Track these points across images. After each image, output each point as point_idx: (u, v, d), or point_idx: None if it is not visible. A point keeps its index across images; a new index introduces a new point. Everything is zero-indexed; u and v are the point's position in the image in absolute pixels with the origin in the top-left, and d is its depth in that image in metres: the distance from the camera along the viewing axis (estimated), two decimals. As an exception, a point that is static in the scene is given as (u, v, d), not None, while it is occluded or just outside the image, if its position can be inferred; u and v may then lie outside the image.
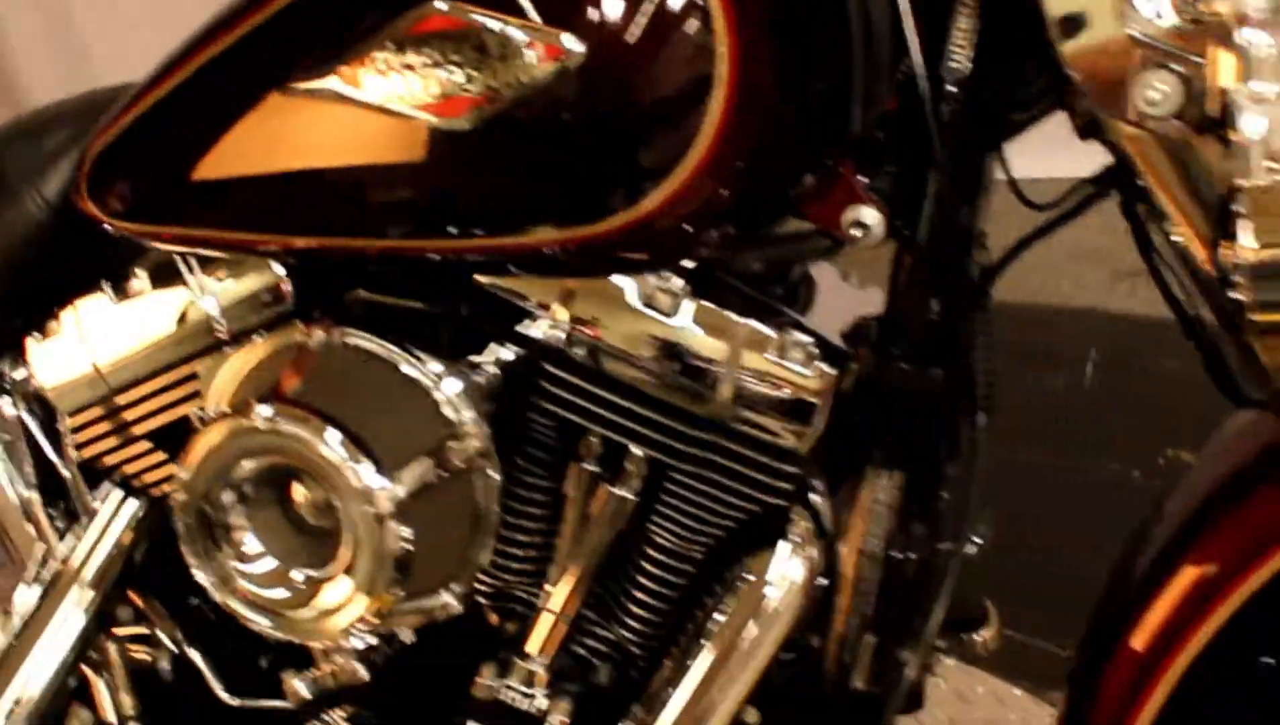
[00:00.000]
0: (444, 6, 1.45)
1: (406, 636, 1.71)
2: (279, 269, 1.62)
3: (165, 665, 1.81)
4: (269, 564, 1.54)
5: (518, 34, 1.43)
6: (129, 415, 1.70)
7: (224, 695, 1.78)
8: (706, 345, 1.55)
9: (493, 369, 1.57)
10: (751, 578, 1.60)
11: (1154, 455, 2.79)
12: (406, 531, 1.48)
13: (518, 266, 1.54)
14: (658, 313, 1.54)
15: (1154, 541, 1.62)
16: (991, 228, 1.61)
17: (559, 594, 1.64)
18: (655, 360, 1.55)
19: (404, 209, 1.53)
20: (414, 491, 1.49)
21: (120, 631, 1.81)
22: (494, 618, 1.71)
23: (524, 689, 1.66)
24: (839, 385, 1.55)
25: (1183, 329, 1.54)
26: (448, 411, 1.53)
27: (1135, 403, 2.99)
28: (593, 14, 1.43)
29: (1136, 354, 3.06)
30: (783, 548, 1.60)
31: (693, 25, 1.42)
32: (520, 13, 1.44)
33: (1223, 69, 1.30)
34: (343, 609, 1.52)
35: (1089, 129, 1.47)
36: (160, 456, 1.71)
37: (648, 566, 1.63)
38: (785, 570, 1.59)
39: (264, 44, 1.54)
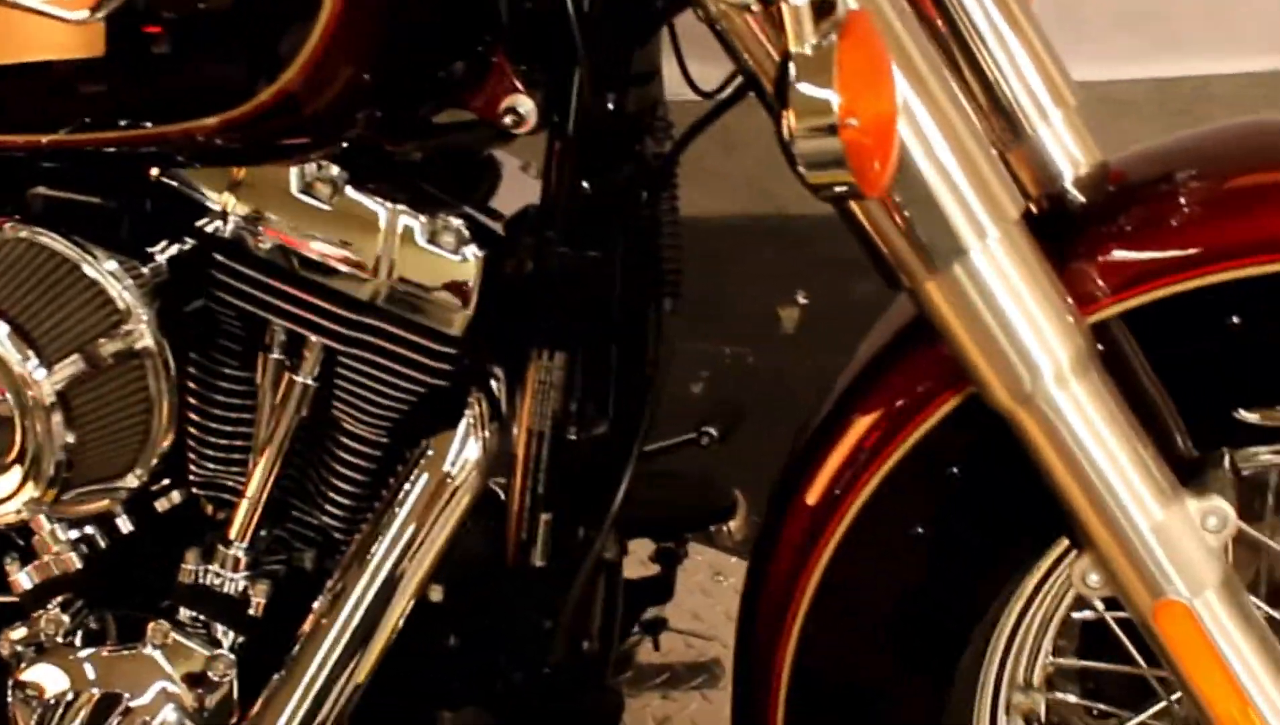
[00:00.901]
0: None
1: (125, 526, 1.77)
2: None
3: None
4: None
5: None
6: None
7: None
8: (362, 231, 1.60)
9: (163, 262, 1.62)
10: (432, 456, 1.66)
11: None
12: (70, 419, 1.55)
13: (184, 156, 1.60)
14: (317, 200, 1.60)
15: (826, 405, 1.67)
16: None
17: (255, 481, 1.70)
18: (314, 248, 1.61)
19: (64, 103, 1.59)
20: (76, 381, 1.55)
21: None
22: (208, 507, 1.76)
23: (225, 573, 1.72)
24: (495, 267, 1.60)
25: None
26: (117, 304, 1.59)
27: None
28: None
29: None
30: (461, 428, 1.65)
31: None
32: None
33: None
34: (14, 496, 1.58)
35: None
36: None
37: (335, 450, 1.70)
38: (463, 451, 1.65)
39: None
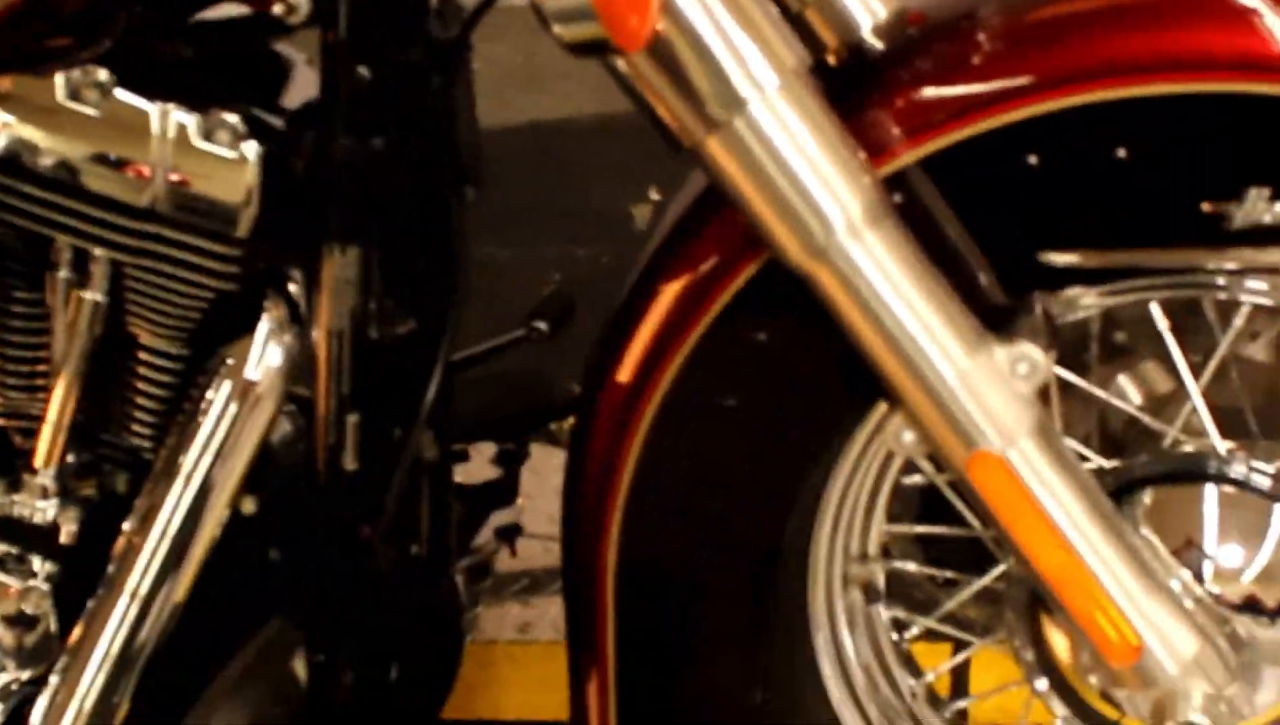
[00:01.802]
0: None
1: None
2: None
3: None
4: None
5: None
6: None
7: None
8: (134, 135, 1.54)
9: None
10: (231, 364, 1.60)
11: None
12: None
13: None
14: (85, 106, 1.54)
15: (630, 281, 1.63)
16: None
17: (55, 404, 1.65)
18: (87, 156, 1.55)
19: None
20: None
21: None
22: (16, 437, 1.71)
23: (33, 502, 1.66)
24: (280, 163, 1.55)
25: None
26: None
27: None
28: None
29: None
30: (259, 334, 1.60)
31: None
32: None
33: None
34: None
35: None
36: None
37: (134, 367, 1.64)
38: (263, 356, 1.60)
39: None
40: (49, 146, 1.55)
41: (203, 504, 1.63)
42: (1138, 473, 1.58)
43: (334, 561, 1.66)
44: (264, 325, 1.61)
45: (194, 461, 1.62)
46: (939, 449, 1.48)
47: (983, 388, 1.45)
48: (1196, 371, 1.57)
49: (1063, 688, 1.66)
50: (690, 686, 1.71)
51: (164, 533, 1.63)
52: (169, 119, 1.54)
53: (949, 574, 1.73)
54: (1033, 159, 1.49)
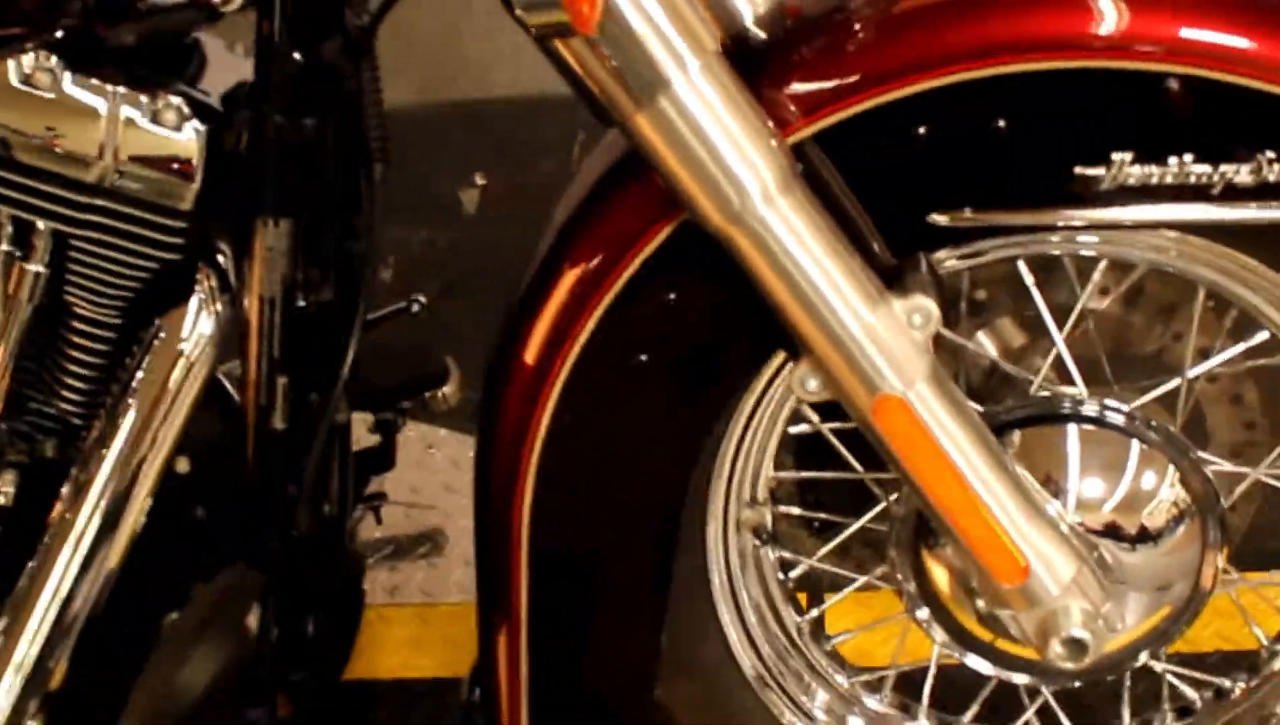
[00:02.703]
0: None
1: None
2: None
3: None
4: None
5: None
6: None
7: None
8: (86, 117, 1.64)
9: None
10: (165, 335, 1.70)
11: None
12: None
13: None
14: (39, 90, 1.63)
15: (535, 262, 1.75)
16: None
17: (-12, 373, 1.73)
18: (41, 137, 1.64)
19: None
20: None
21: None
22: None
23: (-33, 469, 1.74)
24: (215, 141, 1.65)
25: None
26: None
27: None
28: None
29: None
30: (192, 304, 1.70)
31: None
32: None
33: None
34: None
35: None
36: None
37: (69, 336, 1.72)
38: (196, 325, 1.70)
39: None
40: (3, 127, 1.64)
41: (138, 471, 1.72)
42: (1010, 416, 1.74)
43: (263, 519, 1.76)
44: (197, 295, 1.70)
45: (130, 432, 1.71)
46: (843, 394, 1.63)
47: (884, 337, 1.61)
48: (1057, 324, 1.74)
49: (942, 615, 1.81)
50: (599, 635, 1.83)
51: (99, 499, 1.73)
52: (118, 102, 1.63)
53: (830, 517, 1.87)
54: (919, 131, 1.63)
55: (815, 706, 1.93)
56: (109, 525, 1.74)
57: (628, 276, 1.68)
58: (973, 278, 1.82)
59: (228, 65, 1.75)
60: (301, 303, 1.72)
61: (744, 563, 1.88)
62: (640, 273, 1.68)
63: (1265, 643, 1.94)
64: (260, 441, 1.75)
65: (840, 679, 1.94)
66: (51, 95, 1.63)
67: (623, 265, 1.68)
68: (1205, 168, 1.60)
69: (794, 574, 1.91)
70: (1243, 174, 1.59)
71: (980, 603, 1.75)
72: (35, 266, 1.69)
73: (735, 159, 1.55)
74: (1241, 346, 1.76)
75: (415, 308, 2.02)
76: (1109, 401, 1.76)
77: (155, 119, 1.64)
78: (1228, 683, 1.93)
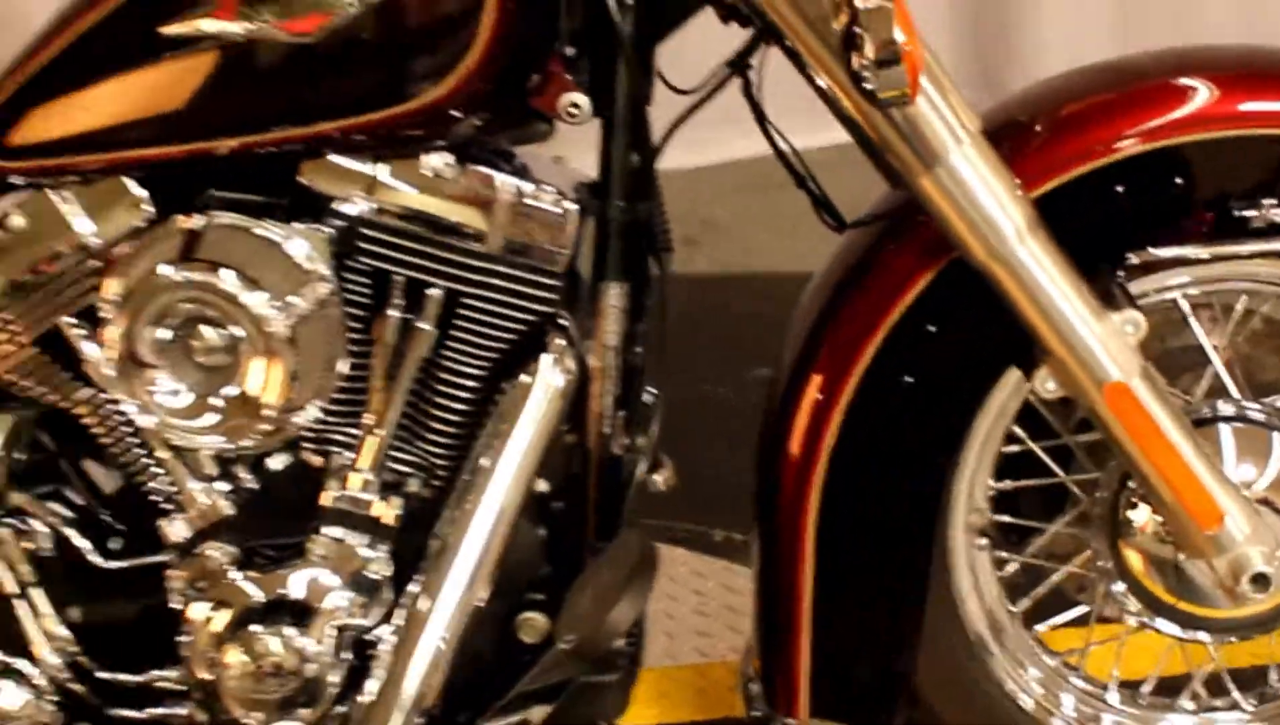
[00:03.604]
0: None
1: (250, 483, 2.22)
2: (137, 188, 2.13)
3: (48, 545, 2.27)
4: (188, 398, 2.06)
5: None
6: (14, 329, 2.18)
7: (101, 562, 2.26)
8: (482, 197, 2.12)
9: (330, 232, 2.11)
10: (527, 383, 2.17)
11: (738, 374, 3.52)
12: (293, 349, 2.02)
13: (333, 149, 2.09)
14: (444, 177, 2.11)
15: (785, 367, 2.27)
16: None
17: (377, 417, 2.18)
18: (446, 213, 2.12)
19: (256, 109, 2.07)
20: (297, 320, 2.03)
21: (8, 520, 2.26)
22: (315, 458, 2.22)
23: (360, 496, 2.18)
24: (582, 218, 2.14)
25: (789, 173, 2.20)
26: (305, 264, 2.07)
27: (715, 340, 3.71)
28: None
29: (710, 305, 3.81)
30: (545, 360, 2.17)
31: None
32: None
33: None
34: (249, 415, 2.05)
35: (730, 13, 2.12)
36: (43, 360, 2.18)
37: (442, 388, 2.17)
38: (548, 378, 2.17)
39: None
40: (417, 209, 2.12)
41: (510, 490, 2.18)
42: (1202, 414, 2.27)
43: (607, 525, 2.23)
44: (550, 352, 2.17)
45: (503, 460, 2.16)
46: (1078, 386, 2.13)
47: (1109, 340, 2.12)
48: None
49: (1136, 587, 2.31)
50: (872, 625, 2.33)
51: (482, 509, 2.17)
52: (510, 185, 2.13)
53: (1029, 523, 2.38)
54: (1115, 191, 2.18)
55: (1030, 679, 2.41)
56: (489, 533, 2.17)
57: (899, 313, 2.18)
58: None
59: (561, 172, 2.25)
60: (634, 349, 2.19)
61: (972, 562, 2.36)
62: (909, 310, 2.18)
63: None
64: (603, 461, 2.20)
65: (1047, 659, 2.41)
66: (459, 180, 2.11)
67: (895, 303, 2.18)
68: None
69: (1007, 570, 2.38)
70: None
71: (1171, 569, 2.24)
72: (424, 325, 2.14)
73: (994, 207, 2.08)
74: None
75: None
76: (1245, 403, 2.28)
77: (537, 200, 2.12)
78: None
